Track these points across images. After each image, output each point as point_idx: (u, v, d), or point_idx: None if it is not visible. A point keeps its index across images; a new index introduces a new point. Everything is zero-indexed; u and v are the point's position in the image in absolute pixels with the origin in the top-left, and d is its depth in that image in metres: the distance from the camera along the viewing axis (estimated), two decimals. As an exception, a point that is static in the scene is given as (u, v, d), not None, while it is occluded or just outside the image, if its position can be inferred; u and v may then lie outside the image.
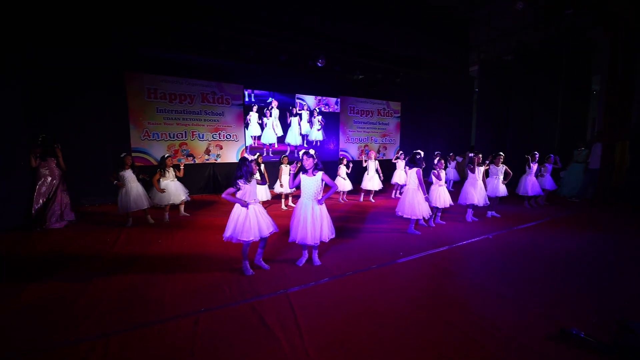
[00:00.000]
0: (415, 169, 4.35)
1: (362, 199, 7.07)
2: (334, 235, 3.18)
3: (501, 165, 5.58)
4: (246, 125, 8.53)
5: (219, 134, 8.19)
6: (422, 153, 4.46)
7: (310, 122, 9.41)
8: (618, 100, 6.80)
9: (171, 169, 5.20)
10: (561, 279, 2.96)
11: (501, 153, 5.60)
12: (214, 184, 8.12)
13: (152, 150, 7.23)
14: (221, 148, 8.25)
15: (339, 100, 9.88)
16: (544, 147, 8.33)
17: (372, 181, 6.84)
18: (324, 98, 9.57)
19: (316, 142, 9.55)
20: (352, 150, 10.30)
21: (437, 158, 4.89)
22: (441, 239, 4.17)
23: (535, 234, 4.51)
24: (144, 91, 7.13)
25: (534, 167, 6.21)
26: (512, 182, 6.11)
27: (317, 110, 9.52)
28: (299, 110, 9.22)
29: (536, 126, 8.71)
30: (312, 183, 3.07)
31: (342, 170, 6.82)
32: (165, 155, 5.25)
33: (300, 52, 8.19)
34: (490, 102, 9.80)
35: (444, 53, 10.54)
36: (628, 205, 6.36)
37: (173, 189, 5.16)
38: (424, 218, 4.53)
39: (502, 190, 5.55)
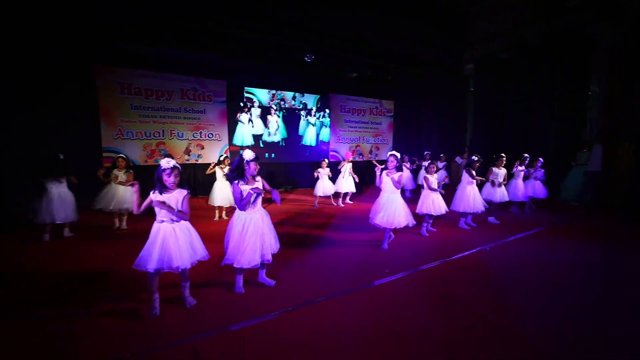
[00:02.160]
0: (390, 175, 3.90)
1: (340, 202, 6.66)
2: (275, 251, 2.71)
3: (502, 168, 5.19)
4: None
5: (200, 132, 7.70)
6: (397, 155, 3.98)
7: (264, 119, 8.49)
8: (621, 97, 6.44)
9: (123, 172, 4.52)
10: (562, 306, 2.55)
11: (503, 155, 5.20)
12: (195, 186, 7.63)
13: (126, 149, 6.72)
14: (202, 148, 7.77)
15: (298, 95, 8.93)
16: (541, 148, 7.97)
17: (346, 183, 6.47)
18: (280, 92, 8.67)
19: (274, 142, 8.70)
20: (344, 150, 9.86)
21: (429, 162, 4.48)
22: (434, 251, 3.75)
23: (533, 244, 4.11)
24: (116, 86, 6.62)
25: (522, 170, 5.82)
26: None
27: (275, 107, 8.58)
28: (250, 106, 8.27)
29: (533, 126, 8.35)
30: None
31: (323, 172, 6.37)
32: (117, 156, 4.73)
33: (287, 46, 7.73)
34: (486, 102, 9.43)
35: (439, 50, 10.14)
36: (634, 211, 5.98)
37: (121, 193, 4.44)
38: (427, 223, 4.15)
39: (503, 194, 5.15)
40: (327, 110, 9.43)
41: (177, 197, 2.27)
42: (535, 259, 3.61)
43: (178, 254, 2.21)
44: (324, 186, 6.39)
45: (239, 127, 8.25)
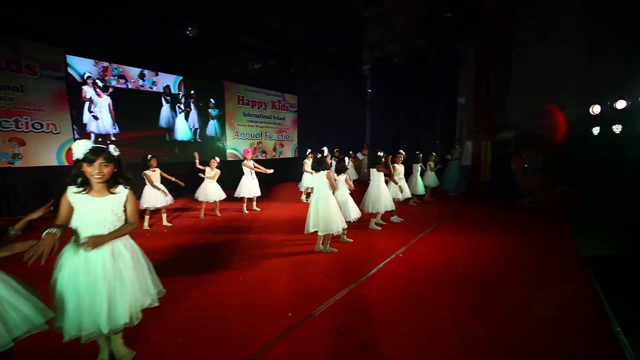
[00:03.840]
0: (325, 172, 3.37)
1: (244, 209, 5.61)
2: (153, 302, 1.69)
3: (401, 164, 5.13)
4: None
5: (16, 121, 5.10)
6: (325, 150, 3.43)
7: (91, 100, 5.82)
8: (483, 105, 7.64)
9: None
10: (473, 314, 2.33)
11: (401, 151, 5.14)
12: (7, 202, 5.01)
13: None
14: (23, 144, 5.18)
15: (148, 72, 6.58)
16: (429, 145, 8.87)
17: (250, 186, 5.51)
18: (117, 66, 6.14)
19: (104, 134, 6.09)
20: (244, 147, 8.61)
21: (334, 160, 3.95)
22: (345, 269, 3.12)
23: (437, 239, 4.11)
24: None
25: (417, 167, 6.17)
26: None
27: (100, 84, 5.89)
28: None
29: (423, 126, 9.21)
30: (102, 208, 1.53)
31: (209, 172, 5.17)
32: None
33: (159, 13, 6.00)
34: (382, 101, 9.95)
35: (340, 47, 10.13)
36: (493, 198, 7.12)
37: None
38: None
39: (406, 191, 5.13)
40: (213, 100, 7.85)
41: None
42: (441, 255, 3.51)
43: None
44: (207, 190, 5.15)
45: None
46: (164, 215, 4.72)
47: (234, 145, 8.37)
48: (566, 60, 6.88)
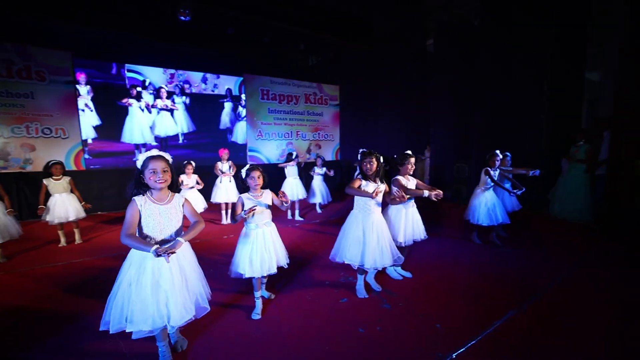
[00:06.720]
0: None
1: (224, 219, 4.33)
2: None
3: (411, 177, 2.76)
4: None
5: (27, 127, 5.20)
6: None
7: (157, 107, 6.17)
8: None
9: None
10: None
11: (409, 153, 2.71)
12: (20, 207, 5.10)
13: None
14: (33, 149, 5.27)
15: (211, 76, 6.67)
16: (527, 144, 5.74)
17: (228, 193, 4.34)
18: (182, 72, 6.32)
19: (168, 137, 6.32)
20: (269, 150, 7.47)
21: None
22: None
23: None
24: None
25: (486, 177, 3.52)
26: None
27: (170, 90, 6.26)
28: (137, 89, 5.96)
29: (513, 113, 6.09)
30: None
31: (187, 180, 4.12)
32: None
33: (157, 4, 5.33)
34: (451, 82, 7.19)
35: (393, 17, 7.88)
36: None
37: None
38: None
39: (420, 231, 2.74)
40: (244, 97, 7.01)
41: None
42: None
43: None
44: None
45: (130, 118, 5.95)
46: None
47: (256, 147, 7.29)
48: None
